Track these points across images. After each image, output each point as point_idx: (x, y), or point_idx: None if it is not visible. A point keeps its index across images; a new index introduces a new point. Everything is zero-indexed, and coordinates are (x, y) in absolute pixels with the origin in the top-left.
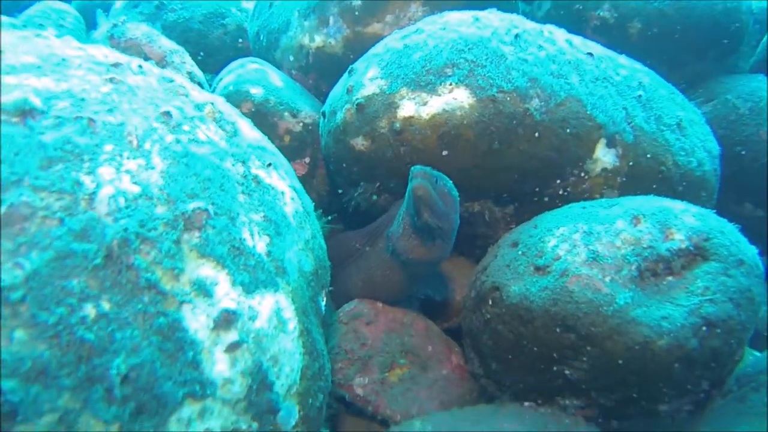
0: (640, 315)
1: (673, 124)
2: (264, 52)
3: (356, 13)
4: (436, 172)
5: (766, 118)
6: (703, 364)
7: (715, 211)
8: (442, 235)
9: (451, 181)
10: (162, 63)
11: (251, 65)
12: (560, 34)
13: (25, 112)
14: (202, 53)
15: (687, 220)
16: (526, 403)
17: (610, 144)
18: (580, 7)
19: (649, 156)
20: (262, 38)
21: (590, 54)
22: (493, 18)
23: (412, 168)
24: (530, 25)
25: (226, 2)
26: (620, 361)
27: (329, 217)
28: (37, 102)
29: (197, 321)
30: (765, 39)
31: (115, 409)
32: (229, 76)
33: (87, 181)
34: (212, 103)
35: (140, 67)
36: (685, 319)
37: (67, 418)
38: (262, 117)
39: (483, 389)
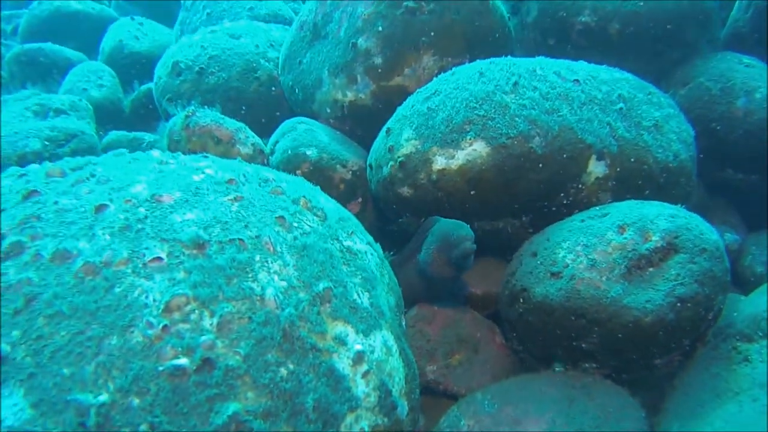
0: (630, 301)
1: (650, 126)
2: (301, 103)
3: (379, 70)
4: (466, 228)
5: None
6: (681, 329)
7: (697, 179)
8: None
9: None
10: (232, 141)
11: (300, 126)
12: (549, 68)
13: (199, 244)
14: (244, 107)
15: (660, 223)
16: (557, 369)
17: (599, 157)
18: (564, 14)
19: (633, 160)
20: (297, 92)
21: (576, 80)
22: (494, 69)
23: (462, 232)
24: (524, 66)
25: (255, 56)
26: (620, 335)
27: (391, 253)
28: (203, 234)
29: (342, 363)
30: (732, 14)
31: (312, 426)
32: (284, 139)
33: (255, 286)
34: (304, 196)
35: (244, 176)
36: (663, 299)
37: None
38: (319, 172)
39: (522, 361)
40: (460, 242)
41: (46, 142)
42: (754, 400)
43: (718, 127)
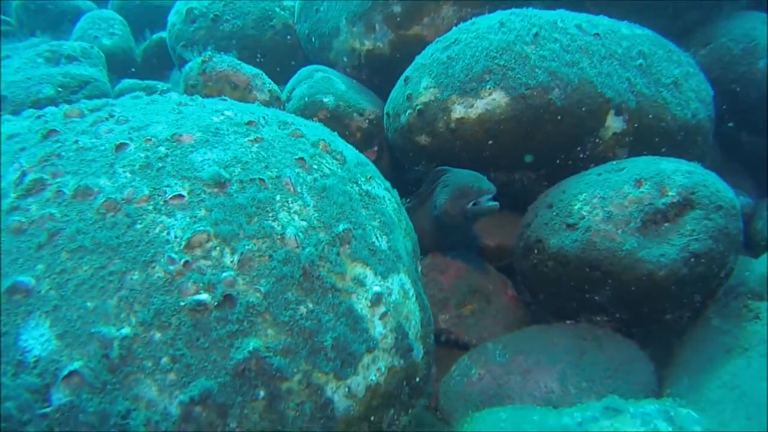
0: (645, 255)
1: (669, 83)
2: (317, 52)
3: (398, 19)
4: (486, 181)
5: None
6: (693, 284)
7: (713, 141)
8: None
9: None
10: (249, 87)
11: (317, 73)
12: (570, 21)
13: (220, 182)
14: (259, 54)
15: (677, 178)
16: (568, 321)
17: (618, 112)
18: None
19: (651, 116)
20: (314, 41)
21: (597, 34)
22: (514, 19)
23: (484, 186)
24: (545, 18)
25: (270, 3)
26: (633, 288)
27: (407, 200)
28: (224, 173)
29: (361, 303)
30: None
31: (331, 365)
32: (301, 86)
33: (275, 225)
34: (323, 139)
35: (264, 118)
36: (677, 254)
37: (306, 374)
38: (336, 120)
39: (534, 313)
40: (481, 195)
41: (59, 89)
42: (762, 356)
43: (738, 89)
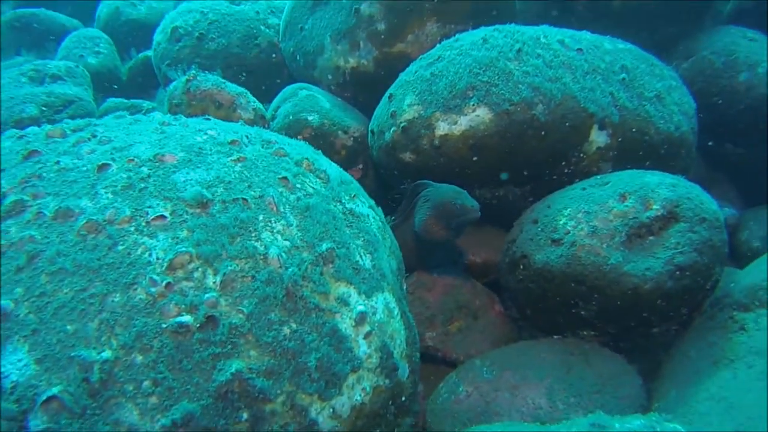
0: (630, 268)
1: (652, 97)
2: (302, 70)
3: (382, 36)
4: (468, 197)
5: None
6: (679, 297)
7: (696, 152)
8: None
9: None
10: (233, 106)
11: (302, 91)
12: (553, 36)
13: (202, 203)
14: (244, 74)
15: (662, 192)
16: (555, 337)
17: (601, 127)
18: None
19: (634, 130)
20: (299, 59)
21: (579, 49)
22: (498, 35)
23: (467, 203)
24: (528, 34)
25: (255, 22)
26: (618, 302)
27: (392, 218)
28: (206, 193)
29: (345, 323)
30: None
31: (315, 385)
32: (286, 104)
33: (258, 245)
34: (307, 158)
35: (247, 137)
36: (662, 267)
37: (290, 395)
38: (320, 138)
39: (521, 329)
40: (464, 212)
41: (43, 108)
42: (749, 367)
43: (720, 101)
